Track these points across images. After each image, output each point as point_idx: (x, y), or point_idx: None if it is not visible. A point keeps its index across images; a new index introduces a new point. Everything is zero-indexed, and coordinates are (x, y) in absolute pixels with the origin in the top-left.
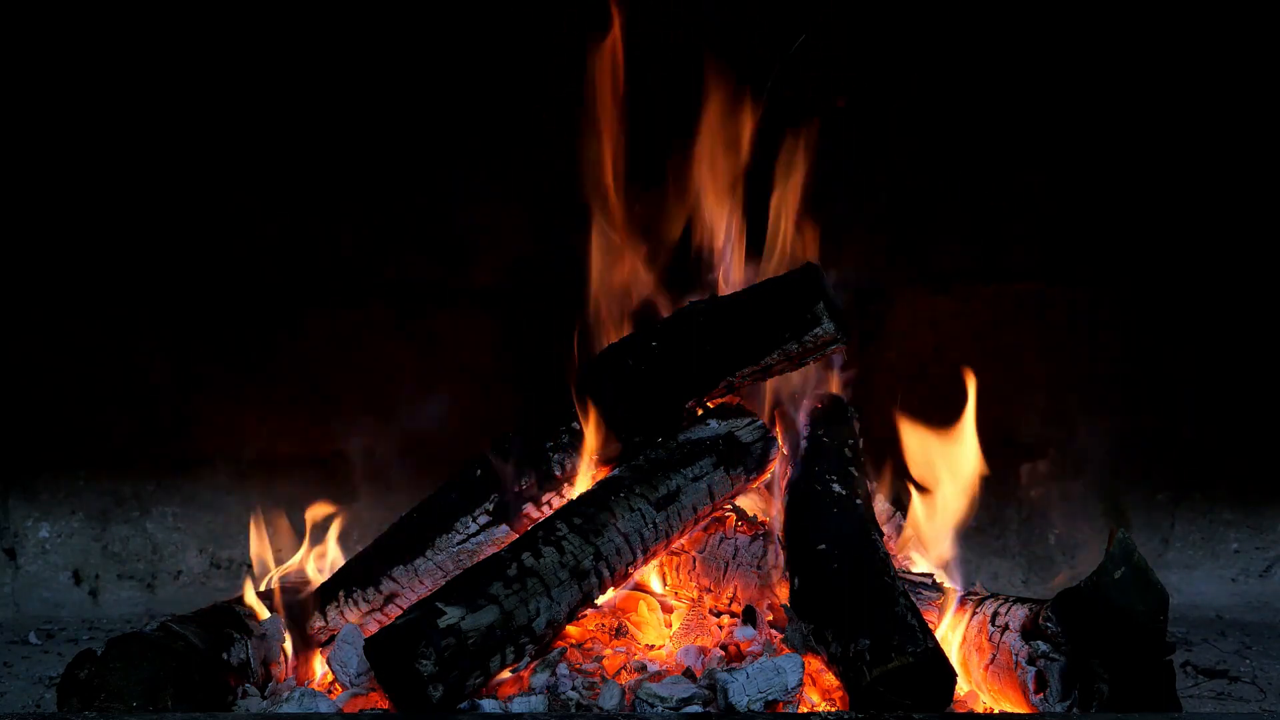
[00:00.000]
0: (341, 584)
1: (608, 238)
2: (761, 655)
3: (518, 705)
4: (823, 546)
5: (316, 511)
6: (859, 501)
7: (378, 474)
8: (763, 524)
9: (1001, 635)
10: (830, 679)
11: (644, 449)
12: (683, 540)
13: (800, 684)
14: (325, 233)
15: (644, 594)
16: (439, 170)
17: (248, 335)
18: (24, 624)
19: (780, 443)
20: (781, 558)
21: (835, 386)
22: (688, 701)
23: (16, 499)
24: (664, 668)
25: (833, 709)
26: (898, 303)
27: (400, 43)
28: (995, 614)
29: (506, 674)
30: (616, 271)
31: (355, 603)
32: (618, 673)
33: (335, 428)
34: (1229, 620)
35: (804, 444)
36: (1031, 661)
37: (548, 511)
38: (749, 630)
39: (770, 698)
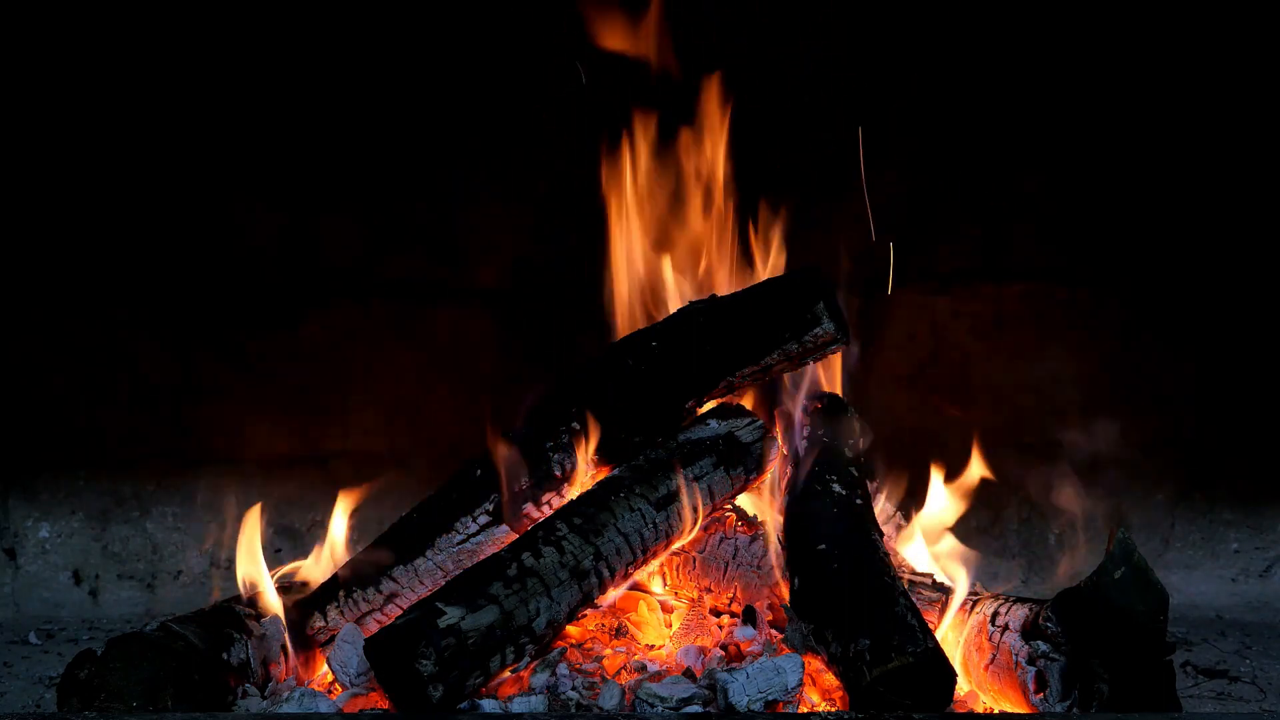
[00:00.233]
0: (341, 584)
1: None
2: (761, 655)
3: (518, 705)
4: (823, 546)
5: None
6: (859, 501)
7: (377, 474)
8: (763, 524)
9: (1001, 635)
10: (830, 679)
11: (644, 449)
12: (683, 540)
13: (800, 684)
14: (325, 233)
15: (644, 594)
16: (439, 170)
17: (248, 335)
18: (24, 624)
19: (780, 443)
20: (781, 558)
21: (835, 386)
22: (688, 701)
23: (16, 499)
24: (664, 668)
25: (833, 709)
26: (898, 303)
27: (400, 43)
28: (995, 614)
29: (506, 674)
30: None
31: (355, 603)
32: (618, 673)
33: (335, 428)
34: (1229, 620)
35: (804, 444)
36: (1031, 661)
37: (548, 511)
38: (749, 630)
39: (770, 698)
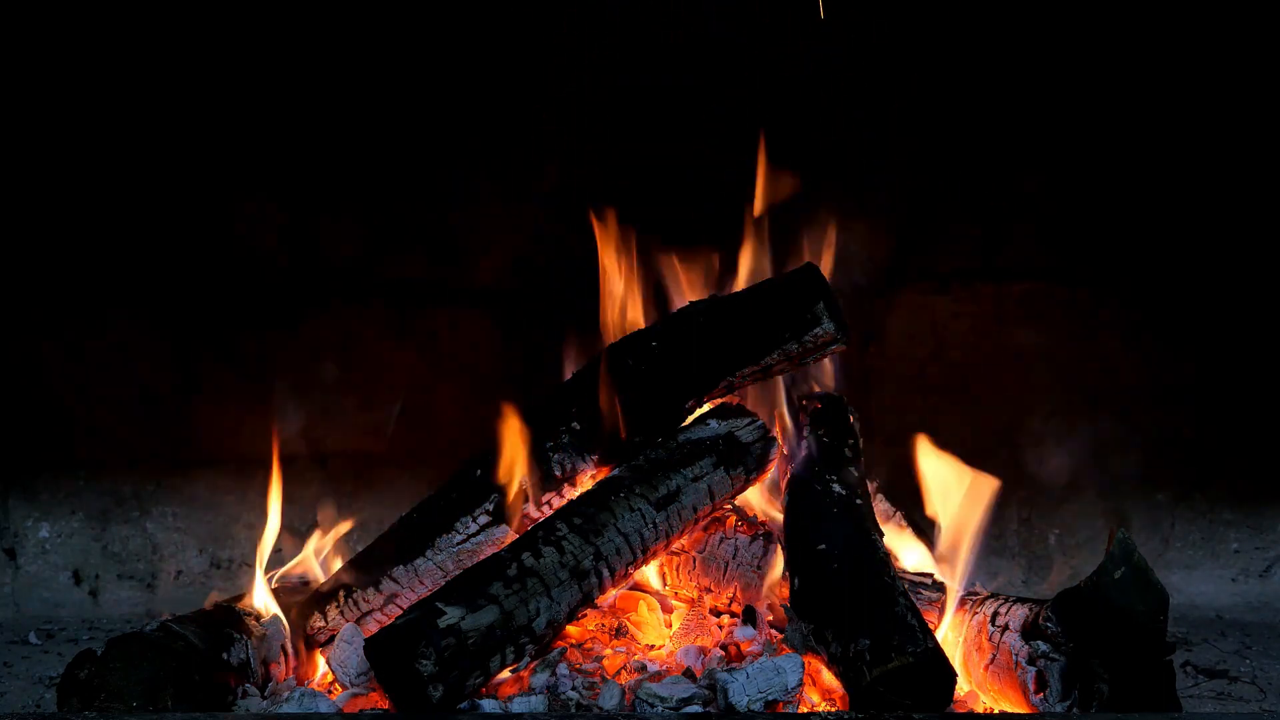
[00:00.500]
0: (341, 584)
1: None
2: (761, 655)
3: (518, 705)
4: (823, 546)
5: (326, 516)
6: (859, 501)
7: (377, 474)
8: (763, 524)
9: (1001, 635)
10: (830, 679)
11: (644, 449)
12: (683, 540)
13: (800, 684)
14: (325, 233)
15: (644, 594)
16: (439, 170)
17: (248, 335)
18: (24, 624)
19: (780, 443)
20: (781, 558)
21: (835, 386)
22: (688, 701)
23: (16, 499)
24: (664, 668)
25: (833, 709)
26: (898, 303)
27: (400, 43)
28: (995, 614)
29: (506, 674)
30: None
31: (355, 603)
32: (618, 673)
33: (335, 428)
34: (1229, 620)
35: (804, 444)
36: (1031, 661)
37: (548, 511)
38: (749, 630)
39: (770, 698)
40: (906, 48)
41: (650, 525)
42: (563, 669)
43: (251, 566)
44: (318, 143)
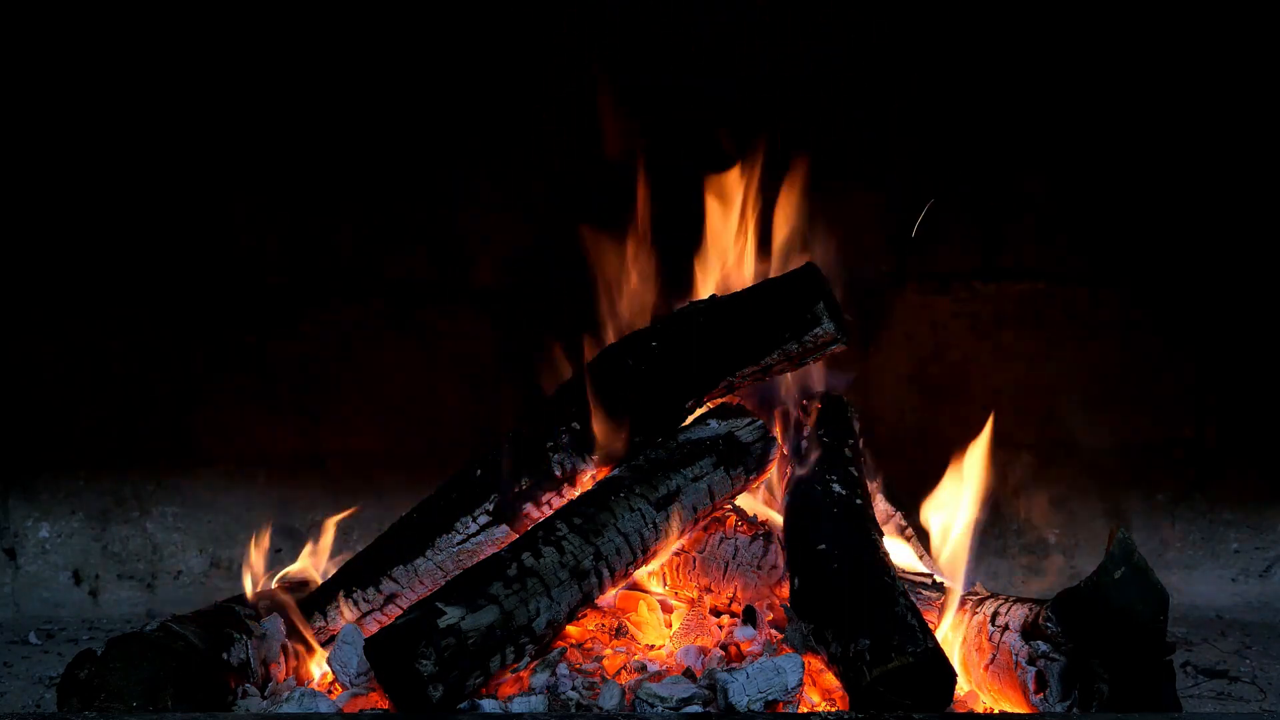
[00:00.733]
0: (341, 584)
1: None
2: (761, 655)
3: (518, 705)
4: (823, 546)
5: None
6: (859, 501)
7: (377, 474)
8: (763, 524)
9: (1001, 635)
10: (830, 679)
11: (644, 449)
12: (683, 540)
13: (800, 684)
14: (325, 233)
15: (644, 594)
16: (439, 170)
17: (248, 335)
18: (24, 624)
19: (780, 443)
20: (781, 558)
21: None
22: (688, 701)
23: (16, 499)
24: (664, 668)
25: (833, 709)
26: (898, 303)
27: (400, 43)
28: (995, 614)
29: (506, 674)
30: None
31: (355, 603)
32: (618, 673)
33: (335, 428)
34: (1229, 620)
35: (804, 444)
36: (1031, 661)
37: (548, 511)
38: (749, 630)
39: (770, 698)
40: (906, 48)
41: (650, 525)
42: (563, 669)
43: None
44: (318, 142)
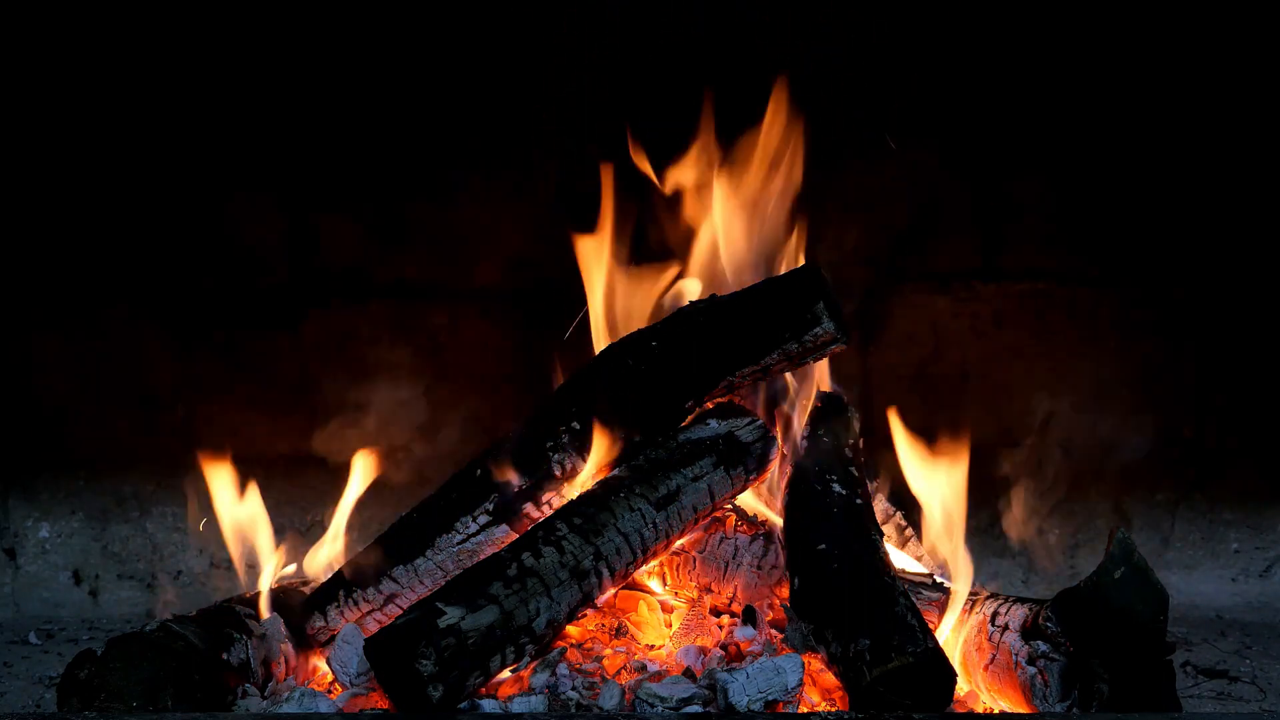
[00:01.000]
0: (341, 583)
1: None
2: (761, 655)
3: (518, 705)
4: (823, 546)
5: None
6: (859, 501)
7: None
8: (763, 524)
9: (1001, 635)
10: (830, 679)
11: (644, 449)
12: (683, 540)
13: (800, 684)
14: (325, 232)
15: (644, 594)
16: (439, 170)
17: (248, 335)
18: (24, 624)
19: (780, 442)
20: (781, 558)
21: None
22: (688, 701)
23: (16, 499)
24: (664, 668)
25: (833, 709)
26: (898, 303)
27: (402, 43)
28: (995, 614)
29: (506, 674)
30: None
31: (355, 602)
32: (618, 673)
33: (335, 428)
34: (1229, 620)
35: (804, 444)
36: (1031, 661)
37: (548, 511)
38: (749, 630)
39: (770, 698)
40: (906, 48)
41: (650, 525)
42: (563, 669)
43: (252, 567)
44: (318, 142)
